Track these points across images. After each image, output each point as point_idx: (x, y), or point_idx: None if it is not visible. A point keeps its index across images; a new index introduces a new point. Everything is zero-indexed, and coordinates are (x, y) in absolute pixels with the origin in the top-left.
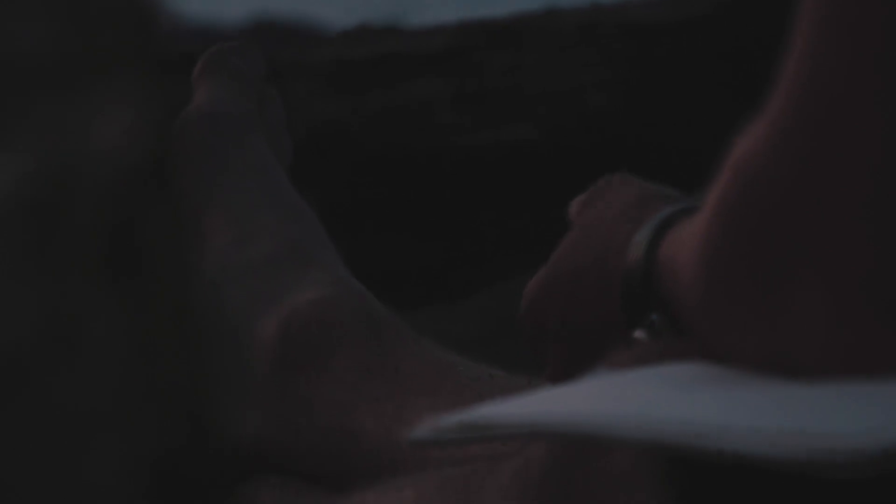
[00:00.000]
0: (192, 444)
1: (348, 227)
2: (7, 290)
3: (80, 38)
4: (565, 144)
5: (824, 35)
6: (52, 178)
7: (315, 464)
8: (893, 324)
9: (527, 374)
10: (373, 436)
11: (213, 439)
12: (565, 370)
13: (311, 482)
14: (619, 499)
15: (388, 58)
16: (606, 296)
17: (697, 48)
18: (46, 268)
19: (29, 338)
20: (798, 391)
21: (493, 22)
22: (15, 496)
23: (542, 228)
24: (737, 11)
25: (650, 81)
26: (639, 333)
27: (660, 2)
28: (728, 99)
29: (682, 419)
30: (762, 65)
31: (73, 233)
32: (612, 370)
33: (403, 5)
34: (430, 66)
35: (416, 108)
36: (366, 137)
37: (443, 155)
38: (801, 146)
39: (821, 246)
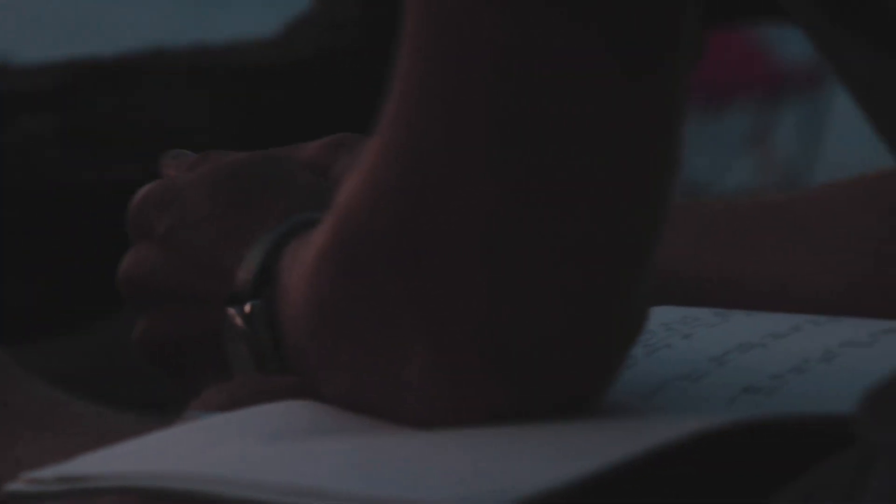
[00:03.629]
0: None
1: None
2: None
3: None
4: None
5: (425, 86)
6: None
7: None
8: (500, 376)
9: (134, 412)
10: None
11: None
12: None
13: None
14: None
15: None
16: (227, 267)
17: (304, 90)
18: None
19: None
20: (392, 446)
21: (102, 60)
22: None
23: None
24: (338, 56)
25: (256, 121)
26: (235, 310)
27: (265, 45)
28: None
29: (278, 480)
30: (366, 111)
31: None
32: (209, 412)
33: (11, 42)
34: (36, 104)
35: (23, 145)
36: None
37: (49, 192)
38: (401, 202)
39: (425, 301)
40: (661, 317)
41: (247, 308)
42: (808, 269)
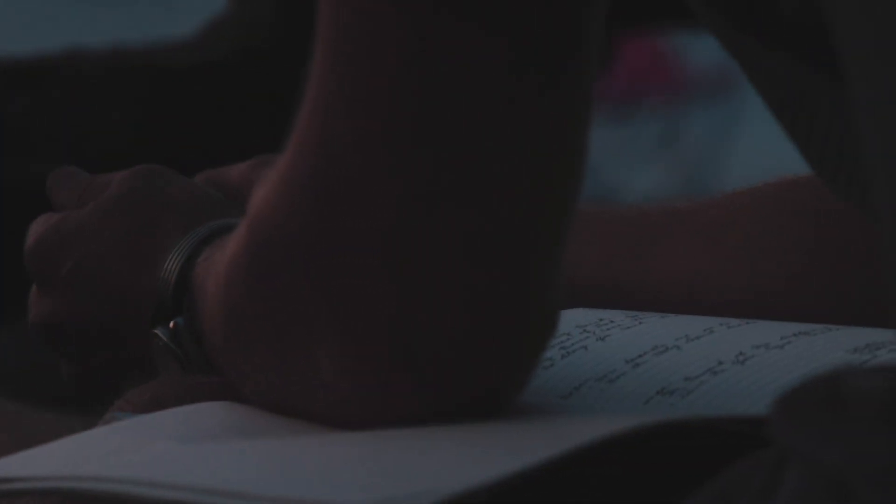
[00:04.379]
0: None
1: None
2: None
3: None
4: None
5: (333, 92)
6: None
7: None
8: (410, 375)
9: (55, 411)
10: None
11: None
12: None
13: None
14: None
15: None
16: (138, 282)
17: (218, 91)
18: None
19: None
20: (309, 448)
21: (13, 61)
22: None
23: None
24: (254, 58)
25: (170, 122)
26: (160, 332)
27: (180, 47)
28: (250, 143)
29: (194, 481)
30: (282, 111)
31: None
32: (131, 412)
33: None
34: None
35: None
36: None
37: None
38: (312, 204)
39: (335, 301)
40: (577, 319)
41: (171, 325)
42: (714, 275)
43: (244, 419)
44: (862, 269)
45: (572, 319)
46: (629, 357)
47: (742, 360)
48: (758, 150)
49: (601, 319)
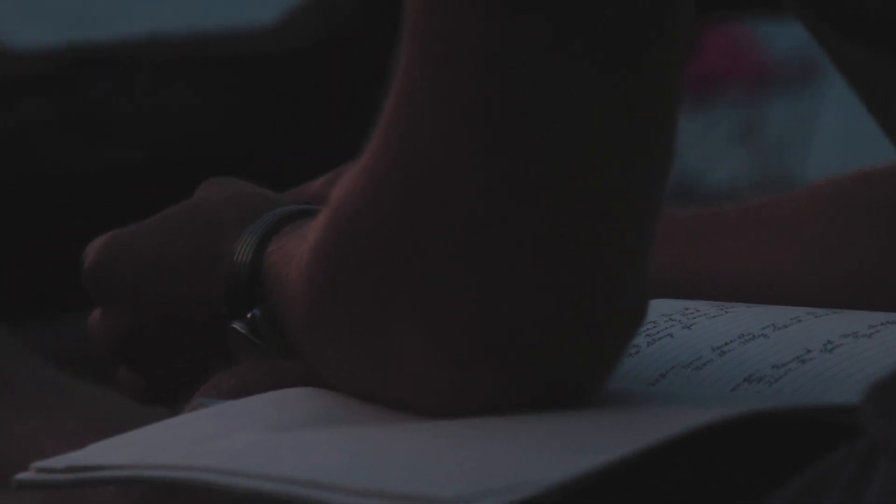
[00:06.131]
0: None
1: None
2: None
3: None
4: (169, 167)
5: (419, 85)
6: None
7: None
8: (495, 365)
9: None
10: None
11: None
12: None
13: None
14: None
15: None
16: (204, 280)
17: (300, 79)
18: None
19: None
20: (398, 438)
21: (98, 45)
22: None
23: None
24: (340, 46)
25: (252, 109)
26: (238, 325)
27: (262, 34)
28: (331, 132)
29: (283, 472)
30: (364, 100)
31: None
32: (218, 398)
33: (10, 26)
34: (33, 89)
35: (18, 131)
36: None
37: (46, 178)
38: (397, 196)
39: (421, 291)
40: (662, 308)
41: (249, 316)
42: (789, 270)
43: (330, 406)
44: None
45: (658, 308)
46: (716, 345)
47: (830, 349)
48: (838, 139)
49: (687, 308)
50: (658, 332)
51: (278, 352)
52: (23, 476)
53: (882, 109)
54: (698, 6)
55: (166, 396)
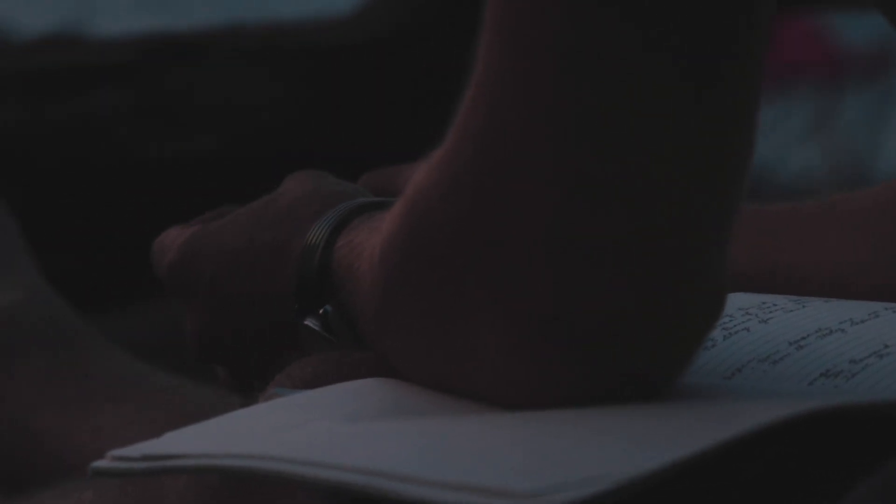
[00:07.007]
0: None
1: (30, 238)
2: None
3: None
4: (245, 156)
5: (501, 80)
6: None
7: None
8: (573, 360)
9: (211, 384)
10: (56, 438)
11: None
12: (233, 366)
13: None
14: (296, 498)
15: (69, 69)
16: (277, 276)
17: (378, 70)
18: None
19: None
20: (473, 430)
21: (176, 35)
22: None
23: None
24: (418, 36)
25: (329, 99)
26: (310, 322)
27: (340, 24)
28: (409, 123)
29: (357, 463)
30: (442, 92)
31: None
32: (292, 387)
33: (89, 15)
34: (111, 78)
35: (96, 119)
36: (46, 149)
37: (124, 166)
38: (475, 185)
39: (498, 284)
40: (739, 302)
41: (320, 312)
42: (871, 265)
43: (403, 396)
44: None
45: (734, 302)
46: (792, 339)
47: None
48: None
49: (763, 303)
50: (734, 326)
51: (349, 346)
52: (99, 464)
53: None
54: None
55: (254, 388)
